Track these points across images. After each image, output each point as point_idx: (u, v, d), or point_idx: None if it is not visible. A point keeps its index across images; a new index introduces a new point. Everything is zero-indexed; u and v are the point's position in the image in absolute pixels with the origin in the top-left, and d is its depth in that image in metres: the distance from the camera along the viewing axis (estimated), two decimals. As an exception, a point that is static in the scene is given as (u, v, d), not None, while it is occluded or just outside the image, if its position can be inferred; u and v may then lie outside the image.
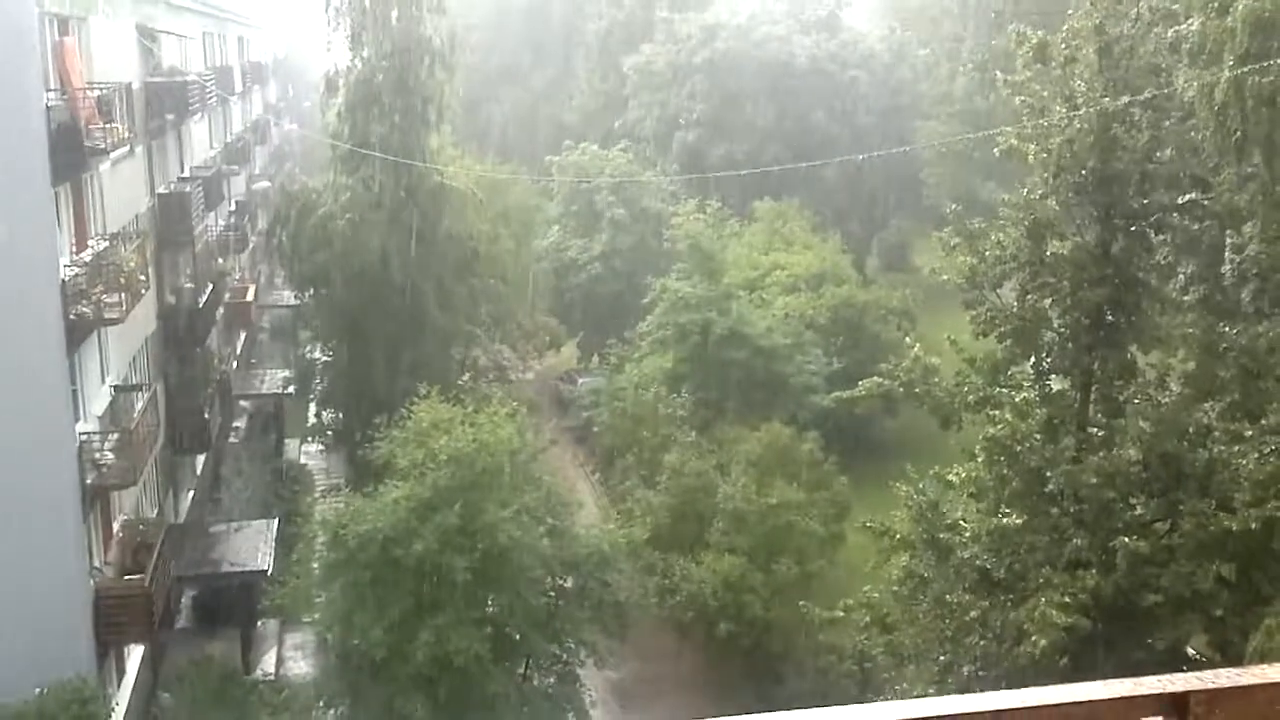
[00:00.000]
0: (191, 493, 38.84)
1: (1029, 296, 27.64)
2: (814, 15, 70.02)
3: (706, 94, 66.68)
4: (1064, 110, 26.49)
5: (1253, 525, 22.85)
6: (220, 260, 46.47)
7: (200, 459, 40.34)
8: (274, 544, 33.59)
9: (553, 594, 29.36)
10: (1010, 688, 2.72)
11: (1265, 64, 24.44)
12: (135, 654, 29.92)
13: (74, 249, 27.54)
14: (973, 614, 25.19)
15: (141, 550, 28.53)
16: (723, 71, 66.52)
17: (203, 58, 48.63)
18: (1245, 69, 24.42)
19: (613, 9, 78.35)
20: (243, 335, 52.33)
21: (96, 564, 27.24)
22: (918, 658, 26.58)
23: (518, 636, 28.41)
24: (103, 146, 27.85)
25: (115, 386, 30.06)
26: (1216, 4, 26.54)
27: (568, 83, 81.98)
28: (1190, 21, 28.04)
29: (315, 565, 29.36)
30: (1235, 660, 22.36)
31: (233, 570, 32.78)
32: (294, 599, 30.09)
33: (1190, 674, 2.89)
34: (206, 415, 37.58)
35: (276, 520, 35.66)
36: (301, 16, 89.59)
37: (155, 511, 32.94)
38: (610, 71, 75.02)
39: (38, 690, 23.74)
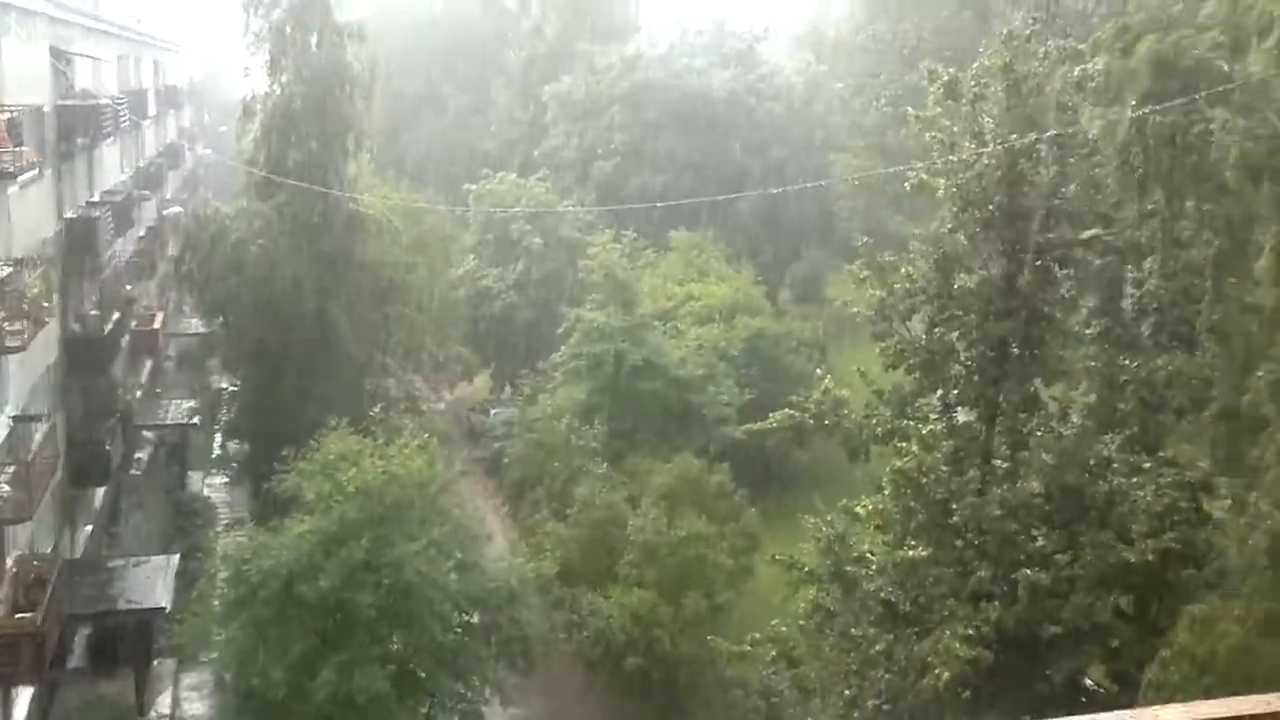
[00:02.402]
0: (90, 527, 37.85)
1: (937, 329, 27.97)
2: (732, 49, 70.50)
3: (625, 125, 66.86)
4: (973, 146, 26.89)
5: (1149, 557, 23.23)
6: (128, 287, 45.55)
7: (100, 491, 39.37)
8: (174, 580, 32.77)
9: (459, 630, 28.94)
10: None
11: (1166, 104, 24.97)
12: (24, 695, 28.98)
13: (-23, 274, 26.83)
14: (878, 647, 25.29)
15: (35, 587, 27.69)
16: (641, 103, 66.75)
17: (116, 81, 47.80)
18: (1147, 109, 24.93)
19: (534, 39, 78.43)
20: (148, 364, 51.26)
21: (-13, 601, 26.43)
22: (824, 692, 26.60)
23: (422, 674, 28.03)
24: (10, 170, 27.24)
25: (14, 417, 29.23)
26: (1120, 45, 27.11)
27: (487, 111, 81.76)
28: (1095, 61, 28.64)
29: (216, 602, 28.72)
30: (1132, 690, 22.62)
31: (130, 607, 31.90)
32: (193, 637, 29.39)
33: (1084, 717, 2.82)
34: (108, 446, 36.68)
35: (177, 555, 34.84)
36: (219, 41, 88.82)
37: (51, 546, 32.01)
38: (530, 101, 74.99)
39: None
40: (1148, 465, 24.78)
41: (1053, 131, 26.91)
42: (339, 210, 41.81)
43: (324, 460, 29.15)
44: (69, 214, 36.66)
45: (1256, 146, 22.14)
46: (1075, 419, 27.55)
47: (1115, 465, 25.32)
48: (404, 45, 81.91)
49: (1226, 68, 24.09)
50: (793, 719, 27.73)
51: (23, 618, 26.69)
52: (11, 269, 28.21)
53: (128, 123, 46.59)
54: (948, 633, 23.53)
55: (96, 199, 41.07)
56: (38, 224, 32.55)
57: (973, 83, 27.91)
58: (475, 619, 29.31)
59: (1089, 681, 25.52)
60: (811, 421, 30.70)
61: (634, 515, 34.35)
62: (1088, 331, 30.45)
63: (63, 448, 33.50)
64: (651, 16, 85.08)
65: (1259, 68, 21.23)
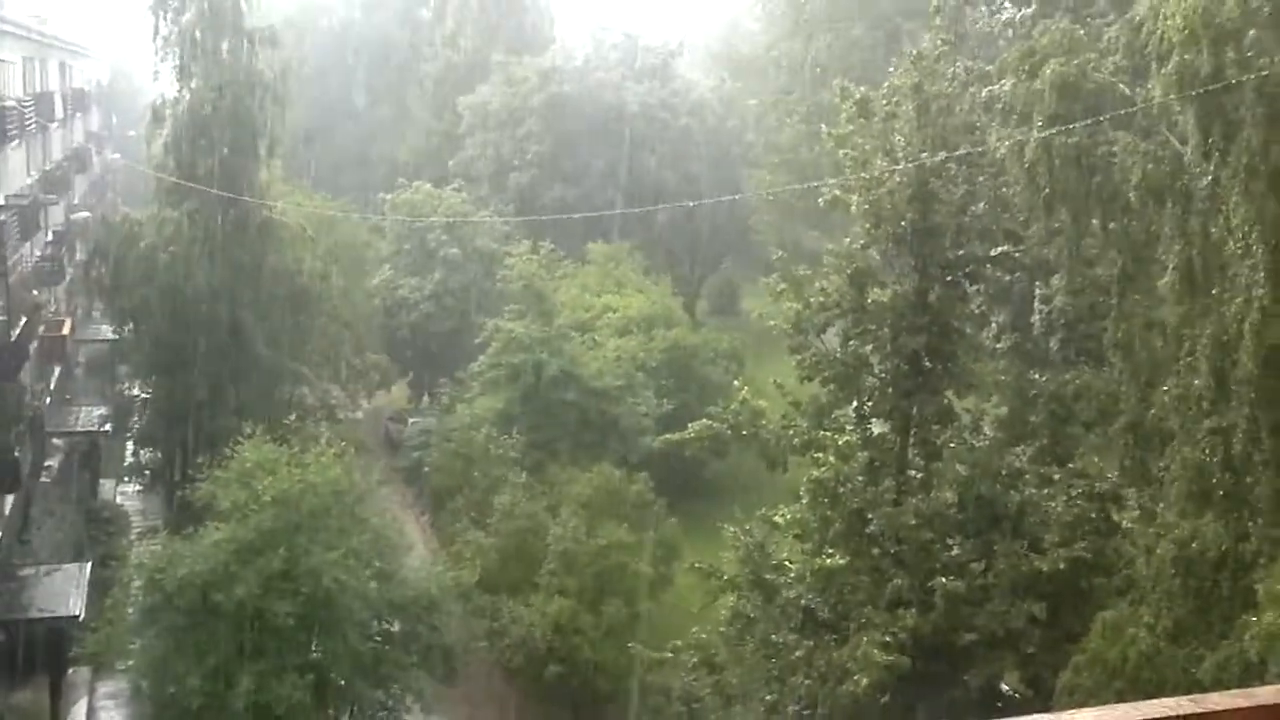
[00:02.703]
0: (-1, 534, 37.16)
1: (851, 342, 28.54)
2: (646, 63, 71.07)
3: (541, 136, 67.02)
4: (885, 164, 27.50)
5: (1061, 565, 23.95)
6: (35, 292, 44.73)
7: (10, 499, 38.57)
8: (86, 588, 32.25)
9: (379, 638, 28.92)
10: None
11: (1071, 125, 25.79)
12: (-67, 706, 28.43)
13: (-124, 279, 26.25)
14: (798, 654, 25.71)
15: (-58, 596, 27.17)
16: (557, 115, 66.96)
17: (22, 83, 46.88)
18: (1053, 130, 25.73)
19: (449, 50, 78.22)
20: (58, 370, 50.30)
21: (-108, 611, 25.86)
22: (745, 698, 26.97)
23: (342, 683, 27.87)
24: (-90, 172, 26.69)
25: (-83, 424, 28.66)
26: (1026, 68, 27.96)
27: (403, 121, 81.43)
28: (1002, 83, 29.48)
29: (130, 610, 28.36)
30: (1046, 695, 23.31)
31: (42, 616, 31.35)
32: (107, 646, 28.97)
33: None
34: (17, 453, 35.97)
35: (89, 564, 34.30)
36: (128, 44, 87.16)
37: (-42, 555, 31.43)
38: (446, 111, 74.75)
39: None
40: (1058, 476, 25.55)
41: (962, 150, 27.66)
42: (251, 217, 41.38)
43: (239, 468, 28.93)
44: (-27, 218, 36.01)
45: (1158, 168, 22.95)
46: (987, 431, 28.32)
47: (1027, 476, 26.07)
48: (318, 53, 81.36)
49: (1128, 91, 25.00)
50: (713, 725, 28.00)
51: (-69, 628, 26.19)
52: (-86, 273, 27.69)
53: (33, 126, 45.79)
54: (866, 639, 24.01)
55: (1, 203, 40.31)
56: (-59, 227, 31.94)
57: (884, 101, 28.55)
58: (395, 627, 29.30)
59: (1005, 686, 26.21)
60: (730, 432, 31.13)
61: (554, 524, 34.49)
62: (998, 346, 31.31)
63: (-31, 455, 32.85)
64: (566, 29, 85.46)
65: (1159, 92, 22.06)
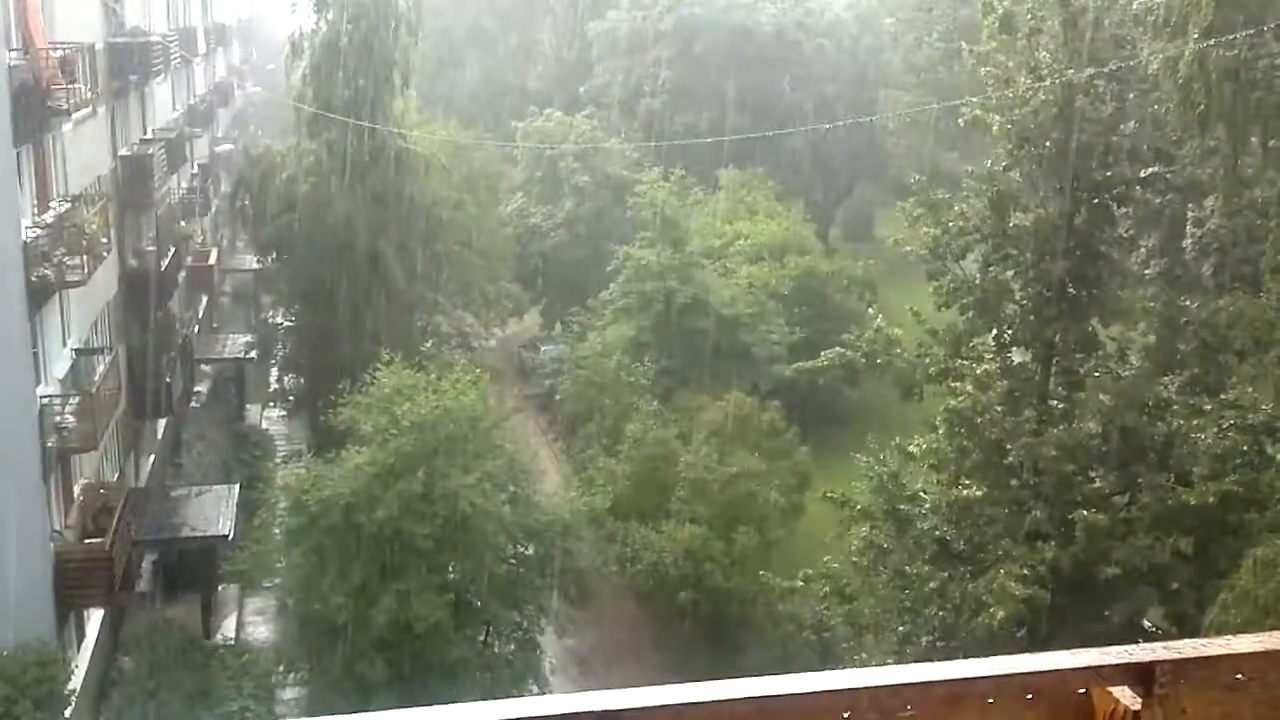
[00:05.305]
0: (152, 457, 38.51)
1: (991, 268, 27.81)
2: (779, -18, 69.74)
3: (671, 61, 66.40)
4: (1029, 81, 26.56)
5: (1210, 499, 23.11)
6: (182, 223, 45.95)
7: (161, 423, 39.99)
8: (235, 509, 33.30)
9: (514, 561, 29.39)
10: (969, 658, 2.72)
11: (1230, 37, 24.55)
12: (95, 618, 29.71)
13: (36, 210, 27.10)
14: (932, 585, 25.42)
15: (102, 514, 28.26)
16: (688, 39, 66.23)
17: (166, 19, 47.88)
18: (1210, 42, 24.54)
19: (579, -26, 77.89)
20: (205, 299, 51.89)
21: (57, 528, 26.97)
22: (877, 628, 26.81)
23: (478, 603, 28.51)
24: (65, 107, 27.36)
25: (76, 350, 29.69)
26: (1182, -24, 26.61)
27: (533, 49, 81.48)
28: (1156, -8, 28.12)
29: (276, 530, 29.27)
30: (1191, 633, 22.67)
31: (193, 535, 32.52)
32: (255, 564, 30.00)
33: (1156, 644, 2.90)
34: (168, 379, 37.15)
35: (237, 485, 35.41)
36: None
37: (116, 475, 32.64)
38: (575, 38, 74.61)
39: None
40: (1209, 407, 24.59)
41: (1111, 66, 26.56)
42: (387, 147, 41.89)
43: (379, 394, 29.50)
44: (123, 151, 36.94)
45: (1325, 82, 21.76)
46: (1134, 360, 27.41)
47: (1175, 407, 25.18)
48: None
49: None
50: (845, 654, 27.92)
51: (92, 543, 27.29)
52: (69, 205, 28.52)
53: (178, 60, 46.76)
54: (1003, 572, 23.61)
55: (149, 136, 41.29)
56: (93, 161, 32.83)
57: (1028, 16, 27.52)
58: (530, 551, 29.74)
59: (1147, 623, 25.54)
60: (863, 360, 30.73)
61: (685, 452, 34.57)
62: (1147, 271, 30.21)
63: (124, 380, 34.00)
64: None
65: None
